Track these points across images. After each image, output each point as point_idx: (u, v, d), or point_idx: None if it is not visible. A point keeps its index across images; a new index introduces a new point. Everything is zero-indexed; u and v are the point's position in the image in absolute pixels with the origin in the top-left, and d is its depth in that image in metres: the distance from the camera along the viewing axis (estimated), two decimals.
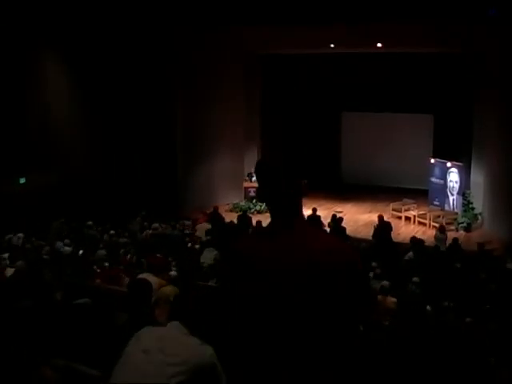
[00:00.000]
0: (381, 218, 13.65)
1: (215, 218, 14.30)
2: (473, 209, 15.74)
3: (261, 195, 2.17)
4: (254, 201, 17.21)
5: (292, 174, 2.11)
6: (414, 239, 11.91)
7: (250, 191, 17.40)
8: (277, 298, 2.02)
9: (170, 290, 5.21)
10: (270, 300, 2.02)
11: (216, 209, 14.91)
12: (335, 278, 1.98)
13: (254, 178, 17.53)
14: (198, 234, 12.77)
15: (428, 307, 7.30)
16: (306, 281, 1.98)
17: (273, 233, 2.12)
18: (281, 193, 2.09)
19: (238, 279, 2.12)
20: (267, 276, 2.03)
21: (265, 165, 2.15)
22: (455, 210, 15.99)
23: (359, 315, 2.11)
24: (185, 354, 2.54)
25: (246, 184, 17.54)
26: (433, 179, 16.86)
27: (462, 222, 15.15)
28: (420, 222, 15.68)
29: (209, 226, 13.06)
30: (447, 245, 12.32)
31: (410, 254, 11.08)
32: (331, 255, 2.01)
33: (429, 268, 9.76)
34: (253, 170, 17.46)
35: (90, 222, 12.43)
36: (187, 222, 13.83)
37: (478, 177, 15.82)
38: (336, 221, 13.62)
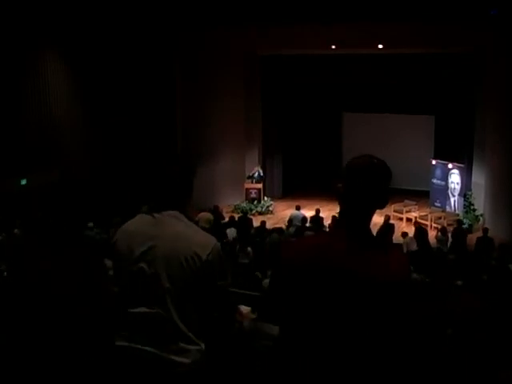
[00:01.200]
0: (387, 218, 13.71)
1: (216, 215, 14.30)
2: (474, 210, 15.69)
3: (339, 194, 2.07)
4: (255, 202, 17.19)
5: (385, 178, 2.04)
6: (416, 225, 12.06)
7: (251, 192, 17.33)
8: (332, 301, 1.95)
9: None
10: (325, 303, 1.96)
11: (216, 207, 14.92)
12: (388, 294, 1.93)
13: (258, 176, 17.45)
14: (200, 224, 12.63)
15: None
16: (370, 294, 1.92)
17: (339, 233, 2.04)
18: (366, 196, 2.01)
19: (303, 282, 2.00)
20: (326, 277, 1.95)
21: (356, 165, 2.06)
22: (456, 212, 15.96)
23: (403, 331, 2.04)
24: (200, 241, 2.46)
25: (247, 185, 17.49)
26: (434, 180, 16.82)
27: (464, 224, 15.10)
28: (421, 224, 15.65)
29: (211, 216, 13.03)
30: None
31: (408, 238, 11.18)
32: (390, 271, 1.95)
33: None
34: (253, 172, 17.46)
35: (91, 224, 12.35)
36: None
37: (479, 178, 15.77)
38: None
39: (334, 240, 2.02)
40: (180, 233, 2.47)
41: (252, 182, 17.35)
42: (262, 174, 17.42)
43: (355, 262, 1.93)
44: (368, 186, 2.00)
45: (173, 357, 2.37)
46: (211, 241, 2.46)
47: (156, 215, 2.53)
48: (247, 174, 17.62)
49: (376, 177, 2.01)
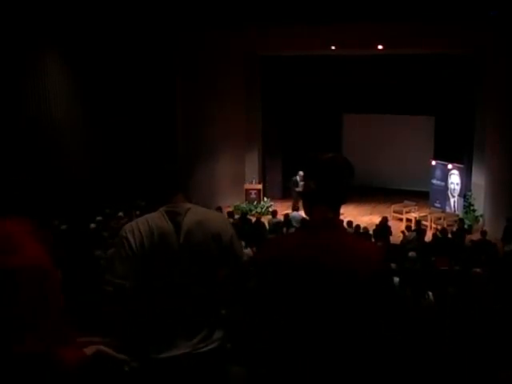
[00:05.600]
0: (384, 219, 13.73)
1: None
2: (474, 211, 15.69)
3: (312, 192, 2.19)
4: (255, 202, 17.18)
5: (351, 174, 2.19)
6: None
7: (250, 193, 17.35)
8: (312, 294, 2.04)
9: None
10: (305, 297, 2.05)
11: (219, 209, 14.91)
12: (366, 281, 2.02)
13: (301, 182, 17.06)
14: None
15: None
16: (344, 280, 2.02)
17: (316, 229, 2.14)
18: (339, 192, 2.17)
19: (277, 279, 2.12)
20: (306, 272, 2.05)
21: (328, 162, 2.23)
22: (456, 212, 15.96)
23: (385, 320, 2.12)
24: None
25: (246, 186, 17.49)
26: (434, 181, 16.83)
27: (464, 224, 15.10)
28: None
29: None
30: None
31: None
32: (367, 257, 2.07)
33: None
34: (255, 173, 17.48)
35: (93, 225, 12.31)
36: None
37: (479, 179, 15.77)
38: None
39: (308, 236, 2.14)
40: (202, 220, 2.66)
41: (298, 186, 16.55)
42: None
43: (326, 256, 2.04)
44: (338, 182, 2.17)
45: (202, 348, 2.55)
46: (224, 217, 2.94)
47: (172, 210, 2.68)
48: (246, 175, 17.62)
49: (344, 173, 2.19)
